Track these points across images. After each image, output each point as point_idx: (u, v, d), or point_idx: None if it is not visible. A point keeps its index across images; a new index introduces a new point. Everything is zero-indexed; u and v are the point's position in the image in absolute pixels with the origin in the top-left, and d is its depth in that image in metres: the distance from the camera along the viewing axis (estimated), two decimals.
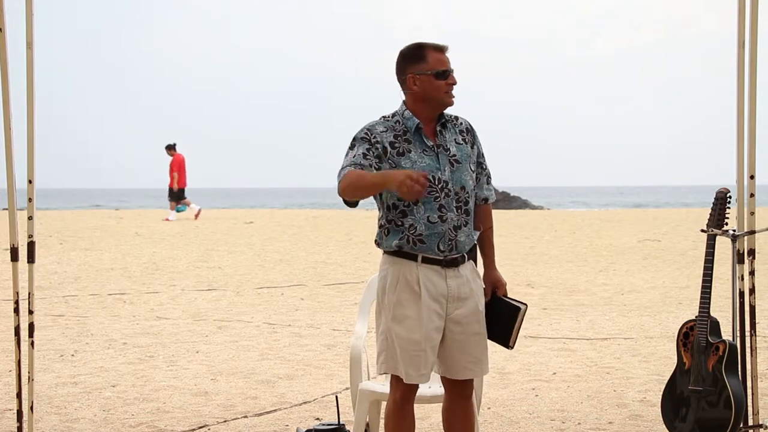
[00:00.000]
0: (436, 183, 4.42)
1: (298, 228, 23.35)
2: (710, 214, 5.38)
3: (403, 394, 4.50)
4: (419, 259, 4.42)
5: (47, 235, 19.78)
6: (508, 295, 4.65)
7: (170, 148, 25.23)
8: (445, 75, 4.46)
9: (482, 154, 4.63)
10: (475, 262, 4.61)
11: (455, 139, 4.53)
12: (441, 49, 4.50)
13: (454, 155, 4.48)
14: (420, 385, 4.91)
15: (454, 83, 4.48)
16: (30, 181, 5.21)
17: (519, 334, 4.61)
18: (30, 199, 5.20)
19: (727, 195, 5.38)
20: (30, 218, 5.19)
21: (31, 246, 5.21)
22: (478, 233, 4.59)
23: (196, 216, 25.42)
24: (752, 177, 5.28)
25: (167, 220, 25.04)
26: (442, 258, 4.43)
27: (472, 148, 4.57)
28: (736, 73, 5.25)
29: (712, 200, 5.42)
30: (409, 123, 4.46)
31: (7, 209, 5.41)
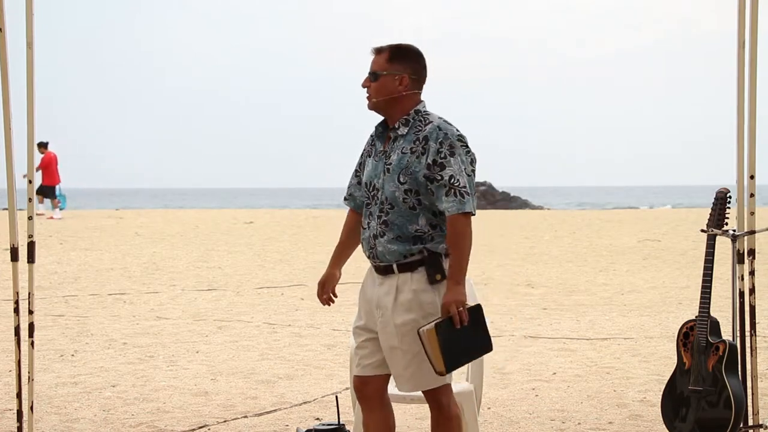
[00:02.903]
0: (371, 190, 4.39)
1: (298, 228, 23.34)
2: (710, 214, 5.38)
3: (374, 388, 4.40)
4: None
5: (47, 235, 19.76)
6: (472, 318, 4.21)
7: (42, 146, 25.02)
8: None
9: (439, 164, 4.21)
10: (443, 275, 4.27)
11: (403, 147, 4.30)
12: (372, 52, 4.41)
13: (390, 163, 4.32)
14: None
15: (364, 86, 4.39)
16: (30, 181, 5.22)
17: (462, 356, 4.22)
18: (30, 199, 5.20)
19: (727, 195, 5.37)
20: (30, 218, 5.19)
21: (31, 246, 5.21)
22: (420, 246, 4.29)
23: (51, 217, 25.07)
24: (752, 177, 5.28)
25: (52, 218, 24.99)
26: (372, 263, 4.46)
27: (419, 157, 4.24)
28: (736, 73, 5.25)
29: (712, 200, 5.43)
30: (379, 127, 4.46)
31: (7, 209, 5.41)
